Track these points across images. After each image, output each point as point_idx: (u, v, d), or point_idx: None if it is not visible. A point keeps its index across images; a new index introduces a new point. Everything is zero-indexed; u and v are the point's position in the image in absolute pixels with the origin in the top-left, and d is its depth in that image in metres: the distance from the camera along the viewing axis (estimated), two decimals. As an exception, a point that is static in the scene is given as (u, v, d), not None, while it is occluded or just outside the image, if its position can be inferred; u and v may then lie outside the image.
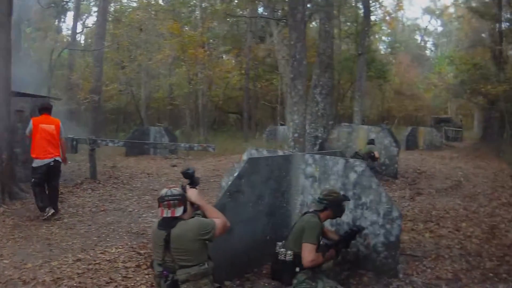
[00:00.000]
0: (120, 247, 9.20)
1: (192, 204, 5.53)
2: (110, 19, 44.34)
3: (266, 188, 7.93)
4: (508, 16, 33.83)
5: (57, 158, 11.74)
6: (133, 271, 7.86)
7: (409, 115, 65.73)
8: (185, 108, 42.40)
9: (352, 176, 7.68)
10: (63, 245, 9.34)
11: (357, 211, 7.37)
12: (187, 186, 5.63)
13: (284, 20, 27.69)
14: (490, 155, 27.34)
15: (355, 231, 6.71)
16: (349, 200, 6.93)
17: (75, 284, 7.23)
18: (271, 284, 7.36)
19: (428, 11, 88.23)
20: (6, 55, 13.37)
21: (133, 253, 8.80)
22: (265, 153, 9.39)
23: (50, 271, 7.72)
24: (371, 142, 17.60)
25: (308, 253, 6.00)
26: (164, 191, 5.26)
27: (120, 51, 43.64)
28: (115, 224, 11.24)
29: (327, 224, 7.15)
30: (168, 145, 21.80)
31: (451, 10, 68.69)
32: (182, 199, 5.27)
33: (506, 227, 10.74)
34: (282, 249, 6.41)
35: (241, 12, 46.44)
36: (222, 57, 52.73)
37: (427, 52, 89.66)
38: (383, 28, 64.94)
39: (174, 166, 22.13)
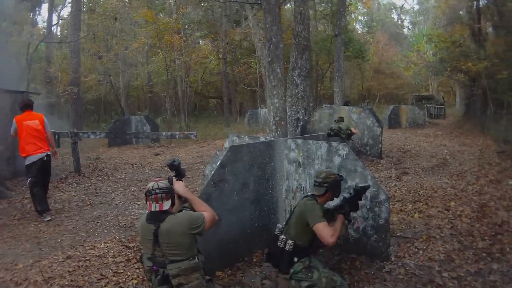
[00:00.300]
0: (109, 241, 9.14)
1: (180, 197, 5.53)
2: (84, 9, 44.14)
3: (250, 175, 7.89)
4: (486, -8, 33.93)
5: (48, 153, 11.64)
6: (124, 266, 7.81)
7: (390, 94, 65.98)
8: (165, 95, 42.31)
9: (337, 159, 7.62)
10: (52, 243, 9.26)
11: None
12: (174, 179, 5.61)
13: (259, 3, 27.54)
14: (474, 132, 27.43)
15: (359, 191, 6.43)
16: (343, 179, 6.82)
17: (67, 283, 7.17)
18: (262, 273, 7.35)
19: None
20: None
21: (122, 247, 8.75)
22: (246, 139, 9.35)
23: (41, 271, 7.64)
24: (340, 119, 17.55)
25: (325, 232, 5.84)
26: (150, 185, 5.19)
27: (96, 41, 43.45)
28: (102, 218, 11.17)
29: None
30: (150, 135, 21.79)
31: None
32: (169, 192, 5.22)
33: (495, 205, 10.72)
34: (282, 236, 6.28)
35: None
36: (198, 42, 52.69)
37: (405, 30, 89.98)
38: (359, 7, 65.07)
39: (157, 154, 22.12)
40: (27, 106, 11.81)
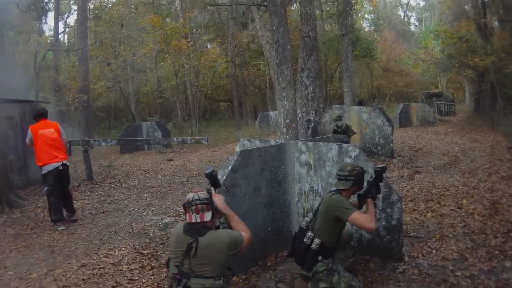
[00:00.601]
0: (123, 248, 9.18)
1: (216, 211, 5.40)
2: (90, 16, 44.24)
3: (261, 179, 7.90)
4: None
5: (64, 162, 11.68)
6: (138, 273, 7.83)
7: (400, 92, 65.83)
8: (175, 100, 42.28)
9: (347, 161, 7.56)
10: (66, 252, 9.29)
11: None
12: (213, 191, 5.51)
13: (265, 5, 27.55)
14: (484, 128, 27.30)
15: (380, 171, 6.33)
16: (365, 171, 6.74)
17: (81, 291, 7.22)
18: (276, 277, 7.36)
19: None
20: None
21: (136, 254, 8.78)
22: (257, 143, 9.34)
23: (56, 280, 7.68)
24: (339, 118, 17.56)
25: (362, 220, 5.83)
26: (190, 195, 5.14)
27: (104, 48, 43.50)
28: (116, 225, 11.20)
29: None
30: (161, 141, 21.76)
31: (433, -17, 68.70)
32: (210, 203, 5.15)
33: (508, 201, 10.65)
34: (309, 233, 6.23)
35: (221, 0, 46.28)
36: (206, 46, 52.72)
37: (412, 27, 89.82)
38: (365, 6, 65.02)
39: (169, 160, 22.17)
40: (42, 115, 11.90)
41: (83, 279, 7.63)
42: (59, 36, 47.33)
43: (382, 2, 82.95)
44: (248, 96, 56.24)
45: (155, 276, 7.60)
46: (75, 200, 13.65)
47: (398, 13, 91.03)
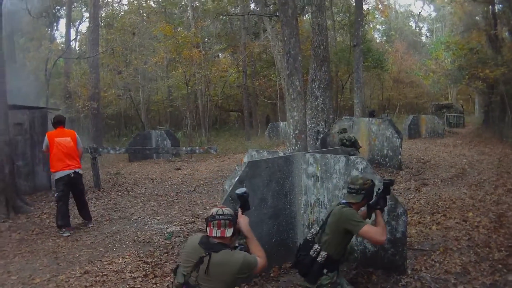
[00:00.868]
0: (127, 256, 9.19)
1: (238, 231, 5.36)
2: (102, 24, 44.39)
3: (268, 190, 7.90)
4: (501, -3, 33.73)
5: (77, 170, 11.79)
6: (141, 281, 7.84)
7: (410, 103, 65.76)
8: (185, 109, 42.32)
9: (354, 173, 7.55)
10: (70, 258, 9.34)
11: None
12: (239, 212, 5.49)
13: (277, 15, 27.56)
14: (493, 140, 27.28)
15: (388, 184, 6.38)
16: (375, 184, 6.71)
17: (83, 298, 7.23)
18: (279, 288, 7.36)
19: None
20: (0, 69, 13.39)
21: (140, 262, 8.78)
22: (265, 154, 9.34)
23: (58, 286, 7.70)
24: (344, 130, 17.59)
25: (373, 233, 5.86)
26: (214, 210, 5.12)
27: (115, 56, 43.62)
28: (121, 233, 11.23)
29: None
30: (170, 150, 21.83)
31: (443, -6, 68.55)
32: (233, 220, 5.13)
33: (513, 214, 10.66)
34: (316, 246, 6.23)
35: (233, 10, 46.35)
36: (218, 56, 52.78)
37: (423, 38, 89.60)
38: (376, 16, 65.00)
39: (178, 169, 22.21)
40: (60, 122, 12.06)
41: (86, 286, 7.65)
42: (71, 43, 47.54)
43: (394, 13, 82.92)
44: (259, 106, 56.35)
45: (157, 284, 7.60)
46: (82, 207, 13.74)
47: (410, 24, 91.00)
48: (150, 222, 12.29)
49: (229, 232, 5.04)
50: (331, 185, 7.89)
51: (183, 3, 52.13)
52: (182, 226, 11.60)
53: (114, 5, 52.17)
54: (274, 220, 8.05)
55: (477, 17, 38.91)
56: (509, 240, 8.80)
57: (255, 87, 50.03)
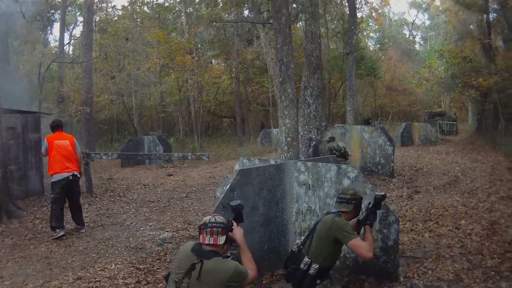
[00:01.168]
0: (120, 263, 9.17)
1: (232, 242, 5.40)
2: (96, 29, 44.41)
3: (259, 198, 7.89)
4: (495, 6, 33.78)
5: (75, 173, 11.85)
6: (134, 287, 7.81)
7: (403, 111, 65.89)
8: (178, 115, 42.31)
9: (346, 182, 7.57)
10: (62, 264, 9.32)
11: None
12: (234, 223, 5.50)
13: (270, 23, 27.61)
14: (486, 148, 27.39)
15: (379, 199, 6.36)
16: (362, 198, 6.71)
17: (76, 304, 7.21)
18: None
19: (414, 4, 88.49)
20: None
21: (132, 268, 8.76)
22: (257, 162, 9.31)
23: (51, 292, 7.69)
24: (332, 139, 17.67)
25: (361, 247, 5.87)
26: (207, 218, 5.14)
27: (108, 61, 43.61)
28: (113, 239, 11.21)
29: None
30: (162, 156, 21.82)
31: (438, 3, 68.79)
32: (225, 228, 5.15)
33: (506, 222, 10.66)
34: (306, 259, 6.16)
35: (226, 16, 46.39)
36: (211, 62, 52.83)
37: (416, 46, 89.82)
38: (370, 24, 65.14)
39: (170, 175, 22.20)
40: (58, 126, 12.18)
41: (78, 292, 7.63)
42: (64, 47, 47.48)
43: (388, 21, 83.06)
44: (252, 112, 56.40)
45: (149, 291, 7.58)
46: (73, 212, 13.73)
47: (404, 32, 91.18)
48: (142, 228, 12.27)
49: (221, 239, 5.05)
50: (323, 193, 7.90)
51: (177, 9, 52.25)
52: (174, 233, 11.59)
53: (108, 10, 52.39)
54: (266, 227, 8.04)
55: (471, 26, 39.12)
56: (502, 247, 8.82)
57: (247, 94, 50.06)
